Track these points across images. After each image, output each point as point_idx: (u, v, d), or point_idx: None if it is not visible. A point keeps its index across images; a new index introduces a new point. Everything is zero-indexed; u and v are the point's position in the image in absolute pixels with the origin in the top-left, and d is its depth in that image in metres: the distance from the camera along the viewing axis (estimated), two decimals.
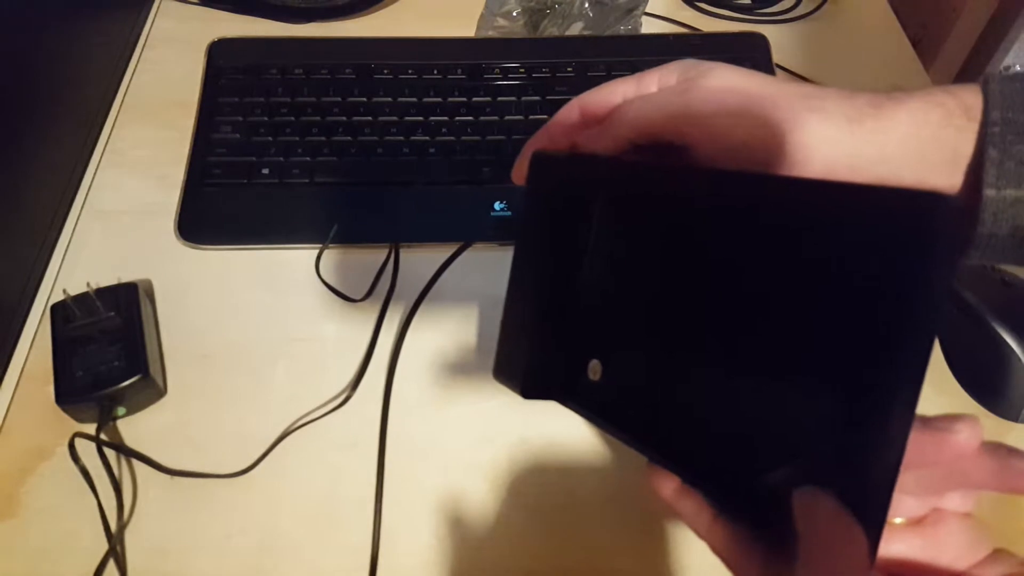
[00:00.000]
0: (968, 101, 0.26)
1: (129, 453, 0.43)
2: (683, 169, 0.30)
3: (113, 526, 0.41)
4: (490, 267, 0.50)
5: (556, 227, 0.32)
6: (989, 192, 0.25)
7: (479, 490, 0.43)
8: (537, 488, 0.43)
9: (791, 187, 0.24)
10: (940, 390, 0.47)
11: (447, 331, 0.48)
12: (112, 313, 0.45)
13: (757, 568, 0.23)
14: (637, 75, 0.31)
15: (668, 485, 0.27)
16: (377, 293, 0.50)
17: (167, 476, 0.43)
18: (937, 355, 0.48)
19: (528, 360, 0.32)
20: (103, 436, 0.42)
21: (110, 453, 0.43)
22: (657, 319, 0.28)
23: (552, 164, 0.33)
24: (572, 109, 0.33)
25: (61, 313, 0.45)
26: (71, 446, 0.42)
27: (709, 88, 0.28)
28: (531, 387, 0.32)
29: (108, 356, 0.43)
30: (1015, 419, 0.46)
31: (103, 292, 0.46)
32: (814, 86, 0.28)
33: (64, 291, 0.45)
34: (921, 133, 0.26)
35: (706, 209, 0.26)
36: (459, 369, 0.47)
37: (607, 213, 0.30)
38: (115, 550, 0.40)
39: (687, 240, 0.27)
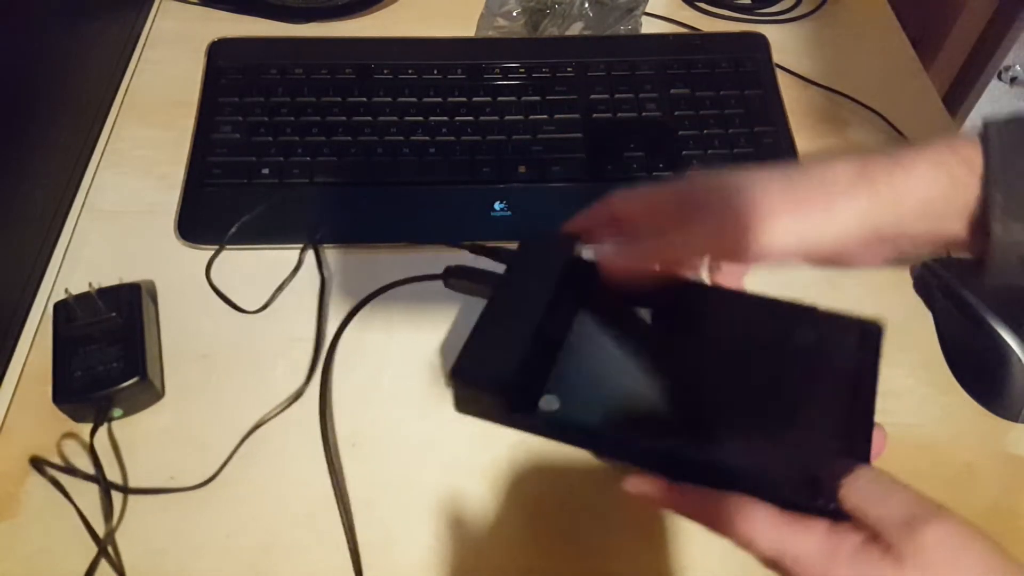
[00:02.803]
0: (969, 155, 0.29)
1: (84, 477, 0.42)
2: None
3: (101, 530, 0.40)
4: (489, 267, 0.50)
5: (537, 285, 0.37)
6: (996, 230, 0.28)
7: (478, 490, 0.43)
8: (536, 488, 0.43)
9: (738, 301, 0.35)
10: (941, 390, 0.47)
11: (446, 331, 0.48)
12: (113, 314, 0.45)
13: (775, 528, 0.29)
14: (672, 188, 0.34)
15: (656, 488, 0.30)
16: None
17: (165, 476, 0.43)
18: (938, 355, 0.48)
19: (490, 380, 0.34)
20: (64, 441, 0.42)
21: (105, 451, 0.43)
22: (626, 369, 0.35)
23: (545, 241, 0.39)
24: (604, 210, 0.36)
25: (63, 312, 0.45)
26: (33, 463, 0.42)
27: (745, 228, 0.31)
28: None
29: (107, 357, 0.43)
30: (1015, 419, 0.46)
31: (105, 292, 0.46)
32: (826, 169, 0.31)
33: (66, 290, 0.45)
34: (932, 196, 0.29)
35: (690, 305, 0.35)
36: None
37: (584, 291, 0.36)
38: (105, 552, 0.40)
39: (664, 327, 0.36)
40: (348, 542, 0.41)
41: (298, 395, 0.45)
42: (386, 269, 0.51)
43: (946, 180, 0.29)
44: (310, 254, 0.51)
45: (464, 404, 0.36)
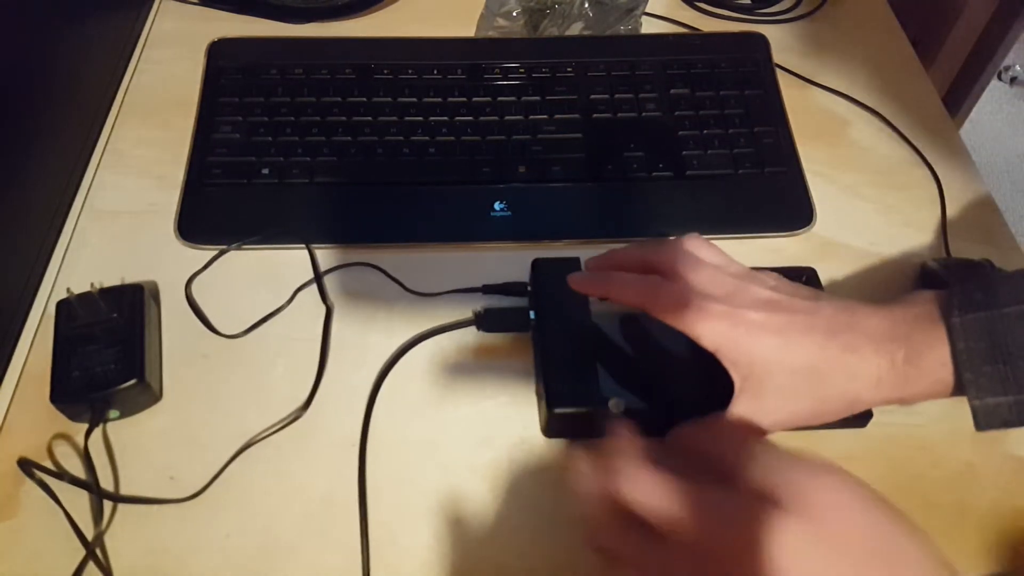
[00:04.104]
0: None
1: (71, 481, 0.42)
2: None
3: (90, 533, 0.40)
4: (490, 267, 0.50)
5: (563, 310, 0.44)
6: (974, 403, 0.35)
7: (479, 490, 0.43)
8: (537, 488, 0.43)
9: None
10: None
11: (445, 332, 0.48)
12: (115, 314, 0.45)
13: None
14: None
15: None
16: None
17: (166, 476, 0.43)
18: None
19: (577, 414, 0.42)
20: (60, 441, 0.42)
21: (100, 453, 0.43)
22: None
23: (553, 265, 0.46)
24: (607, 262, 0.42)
25: (66, 311, 0.45)
26: (21, 465, 0.42)
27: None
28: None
29: (106, 357, 0.43)
30: None
31: (107, 292, 0.46)
32: (851, 380, 0.36)
33: (68, 290, 0.45)
34: (939, 396, 0.36)
35: None
36: (459, 369, 0.47)
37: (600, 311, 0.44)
38: (93, 555, 0.39)
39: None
40: (362, 545, 0.41)
41: (296, 417, 0.45)
42: (390, 271, 0.51)
43: (944, 393, 0.36)
44: (307, 255, 0.51)
45: (557, 429, 0.44)
